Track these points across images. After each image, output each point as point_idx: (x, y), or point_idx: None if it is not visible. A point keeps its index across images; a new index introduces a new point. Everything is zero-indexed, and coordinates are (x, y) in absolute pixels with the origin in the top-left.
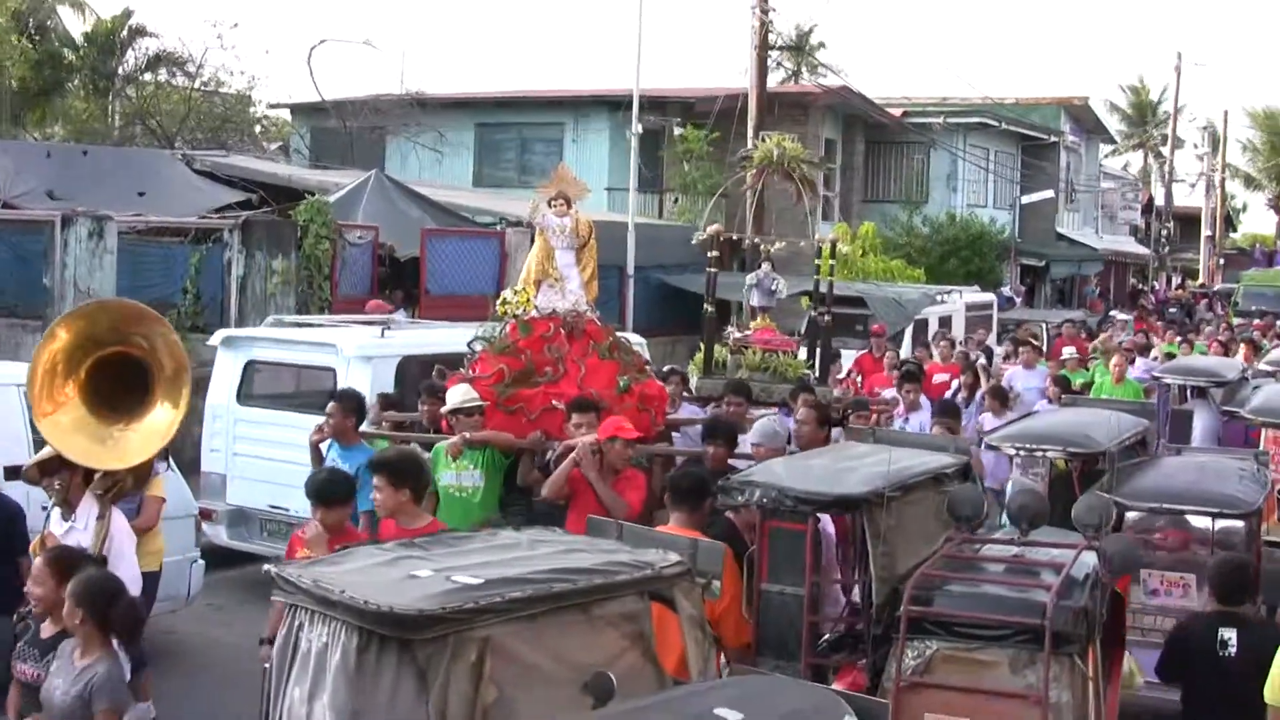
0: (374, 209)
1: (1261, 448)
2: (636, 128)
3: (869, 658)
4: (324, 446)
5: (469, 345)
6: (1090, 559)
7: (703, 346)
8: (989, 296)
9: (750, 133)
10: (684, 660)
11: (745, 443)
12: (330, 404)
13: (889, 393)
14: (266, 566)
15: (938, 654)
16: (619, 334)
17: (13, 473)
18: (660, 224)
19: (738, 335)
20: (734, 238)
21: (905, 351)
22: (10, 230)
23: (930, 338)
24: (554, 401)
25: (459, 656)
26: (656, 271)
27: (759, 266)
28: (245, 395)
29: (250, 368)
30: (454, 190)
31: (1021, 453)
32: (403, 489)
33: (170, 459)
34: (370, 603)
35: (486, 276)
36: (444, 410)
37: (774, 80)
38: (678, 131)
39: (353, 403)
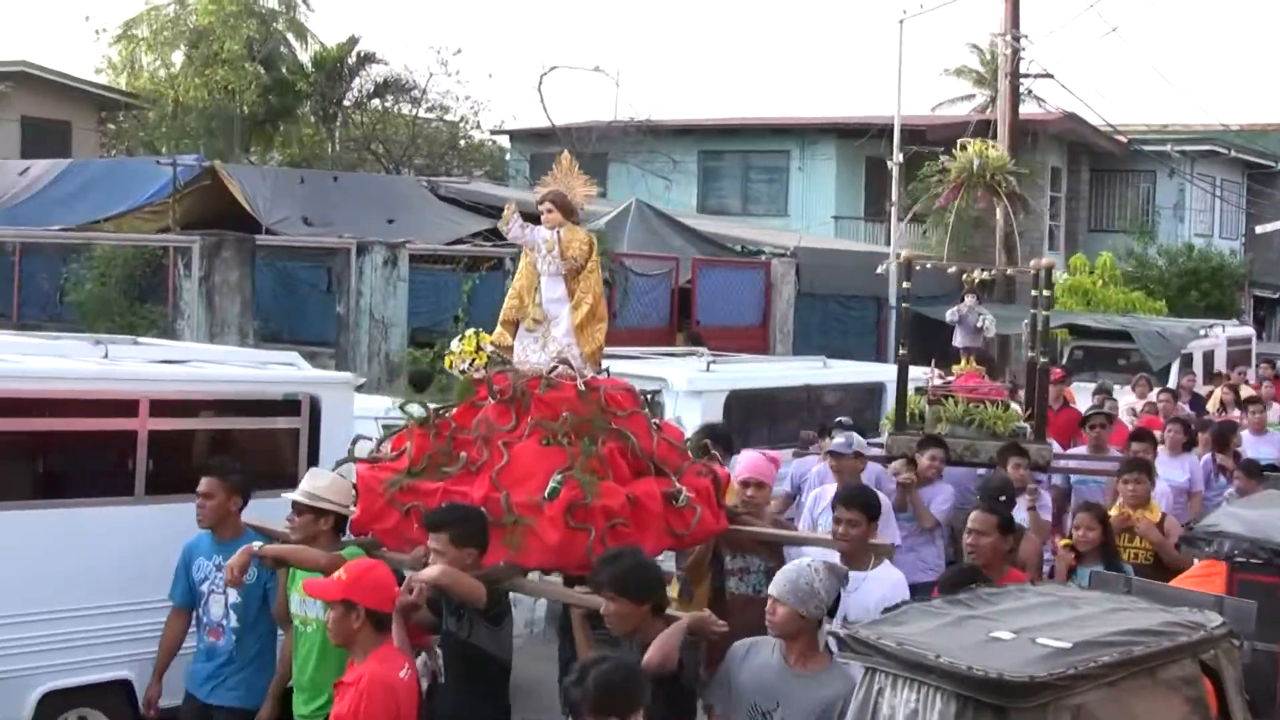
0: (638, 237)
1: None
2: (898, 157)
3: None
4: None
5: (400, 408)
6: None
7: (895, 396)
8: (1248, 330)
9: None
10: None
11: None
12: (206, 479)
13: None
14: (831, 628)
15: None
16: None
17: None
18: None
19: (937, 382)
20: (928, 264)
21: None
22: (279, 257)
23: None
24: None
25: None
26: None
27: (961, 300)
28: None
29: None
30: (688, 218)
31: None
32: None
33: None
34: (975, 668)
35: (753, 307)
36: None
37: (970, 106)
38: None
39: (240, 478)
